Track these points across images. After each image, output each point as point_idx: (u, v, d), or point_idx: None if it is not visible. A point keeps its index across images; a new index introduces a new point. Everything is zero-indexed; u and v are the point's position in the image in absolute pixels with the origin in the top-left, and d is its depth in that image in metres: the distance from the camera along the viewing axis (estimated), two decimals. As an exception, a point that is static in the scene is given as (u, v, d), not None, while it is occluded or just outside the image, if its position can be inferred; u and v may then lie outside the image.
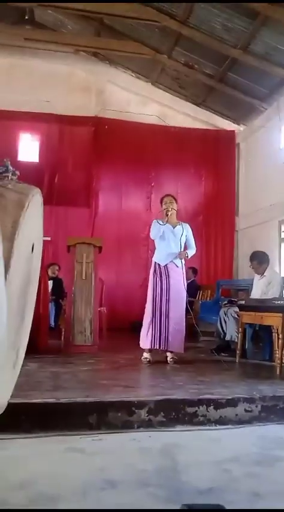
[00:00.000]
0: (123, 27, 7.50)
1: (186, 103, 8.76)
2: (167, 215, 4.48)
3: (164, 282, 4.40)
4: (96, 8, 6.69)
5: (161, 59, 7.69)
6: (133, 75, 8.75)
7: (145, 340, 4.38)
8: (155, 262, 4.50)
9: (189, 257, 4.54)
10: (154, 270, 4.47)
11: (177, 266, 4.46)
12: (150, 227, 4.69)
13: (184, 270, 4.54)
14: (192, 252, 4.57)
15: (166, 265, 4.44)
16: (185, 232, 4.54)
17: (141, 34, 7.42)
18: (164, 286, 4.39)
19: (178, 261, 4.46)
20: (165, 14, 6.60)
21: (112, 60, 8.58)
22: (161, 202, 4.67)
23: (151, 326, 4.34)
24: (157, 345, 4.32)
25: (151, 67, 8.21)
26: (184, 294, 4.52)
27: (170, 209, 4.50)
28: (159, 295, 4.38)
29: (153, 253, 4.66)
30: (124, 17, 6.81)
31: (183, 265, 4.54)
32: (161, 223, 4.48)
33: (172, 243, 4.47)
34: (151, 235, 4.57)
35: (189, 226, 4.66)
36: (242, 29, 6.23)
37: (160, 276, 4.42)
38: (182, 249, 4.49)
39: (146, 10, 6.57)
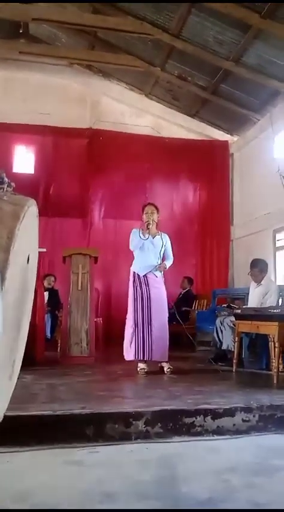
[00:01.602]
0: (116, 40, 7.60)
1: (179, 114, 8.84)
2: (148, 228, 4.47)
3: (144, 291, 4.39)
4: (90, 22, 6.78)
5: (154, 71, 7.78)
6: (127, 87, 8.84)
7: (129, 351, 4.36)
8: (134, 272, 4.49)
9: (167, 268, 4.53)
10: (134, 280, 4.46)
11: (156, 276, 4.46)
12: None
13: (163, 279, 4.53)
14: (169, 262, 4.56)
15: (145, 275, 4.43)
16: (164, 243, 4.55)
17: (134, 47, 7.52)
18: (145, 296, 4.38)
19: (157, 272, 4.46)
20: (158, 28, 6.69)
21: (106, 72, 8.67)
22: (142, 210, 4.64)
23: (134, 337, 4.32)
24: (141, 355, 4.30)
25: (145, 79, 8.30)
26: (166, 302, 4.50)
27: (151, 221, 4.49)
28: (140, 305, 4.37)
29: None
30: (117, 30, 6.89)
31: (162, 275, 4.53)
32: (142, 236, 4.47)
33: (152, 255, 4.47)
34: (131, 247, 4.53)
35: (168, 237, 4.65)
36: (235, 42, 6.33)
37: (140, 285, 4.41)
38: (161, 260, 4.49)
39: (139, 24, 6.67)
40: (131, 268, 4.55)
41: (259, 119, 7.84)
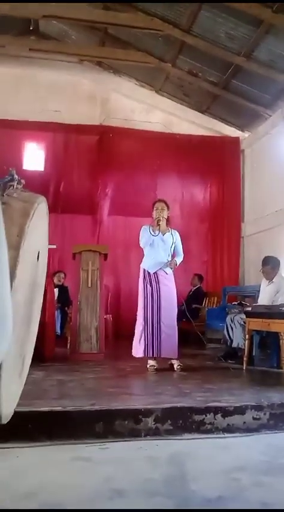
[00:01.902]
0: (127, 36, 7.57)
1: (190, 110, 8.79)
2: (158, 224, 4.46)
3: (155, 289, 4.38)
4: (100, 18, 6.77)
5: (165, 67, 7.74)
6: (137, 83, 8.81)
7: (138, 348, 4.36)
8: (144, 269, 4.47)
9: (177, 265, 4.51)
10: (144, 277, 4.45)
11: (167, 273, 4.44)
12: None
13: (173, 276, 4.51)
14: (179, 259, 4.54)
15: (155, 272, 4.42)
16: (175, 240, 4.53)
17: (145, 43, 7.48)
18: (155, 293, 4.38)
19: (167, 269, 4.45)
20: (168, 23, 6.65)
21: (116, 69, 8.65)
22: (153, 206, 4.63)
23: (143, 334, 4.32)
24: (151, 353, 4.29)
25: (155, 75, 8.26)
26: (175, 300, 4.49)
27: (161, 218, 4.48)
28: (150, 302, 4.37)
29: None
30: (128, 26, 6.88)
31: (173, 272, 4.52)
32: (152, 233, 4.46)
33: (162, 251, 4.45)
34: (141, 244, 4.51)
35: (178, 234, 4.63)
36: (246, 37, 6.26)
37: (150, 283, 4.40)
38: (171, 257, 4.48)
39: (150, 20, 6.64)
40: (141, 265, 4.54)
41: (270, 115, 7.76)
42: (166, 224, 4.59)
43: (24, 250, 1.65)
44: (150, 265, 4.45)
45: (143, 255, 4.57)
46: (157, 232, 4.46)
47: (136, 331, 4.44)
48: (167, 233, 4.53)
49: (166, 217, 4.55)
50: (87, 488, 1.93)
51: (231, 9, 5.81)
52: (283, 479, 2.10)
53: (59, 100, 8.19)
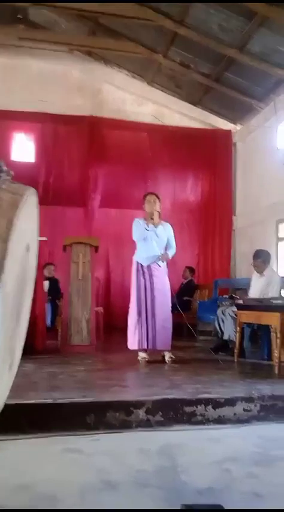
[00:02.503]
0: (118, 26, 7.47)
1: (182, 102, 8.73)
2: (152, 218, 4.45)
3: (148, 281, 4.39)
4: (91, 7, 6.67)
5: (157, 58, 7.66)
6: (128, 74, 8.72)
7: (133, 340, 4.37)
8: (137, 262, 4.47)
9: (169, 258, 4.51)
10: (137, 270, 4.44)
11: (160, 266, 4.45)
12: None
13: (166, 269, 4.51)
14: (172, 252, 4.55)
15: (148, 265, 4.42)
16: (167, 233, 4.53)
17: (136, 33, 7.40)
18: (148, 286, 4.38)
19: (160, 262, 4.45)
20: (161, 14, 6.58)
21: (107, 59, 8.55)
22: (144, 198, 4.62)
23: (137, 326, 4.33)
24: (145, 345, 4.31)
25: (147, 66, 8.19)
26: (169, 292, 4.50)
27: (154, 211, 4.47)
28: (143, 295, 4.37)
29: None
30: (120, 16, 6.79)
31: (166, 264, 4.52)
32: (146, 227, 4.45)
33: (155, 245, 4.44)
34: (134, 237, 4.50)
35: (171, 227, 4.63)
36: (239, 29, 6.22)
37: (143, 275, 4.41)
38: (164, 250, 4.47)
39: (142, 10, 6.56)
40: (134, 257, 4.53)
41: (262, 108, 7.74)
42: (159, 217, 4.58)
43: (13, 243, 1.62)
44: (143, 259, 4.44)
45: (135, 247, 4.55)
46: (150, 226, 4.45)
47: (129, 323, 4.44)
48: (160, 226, 4.52)
49: (158, 210, 4.54)
50: (79, 480, 1.93)
51: (224, 2, 5.76)
52: (274, 470, 2.11)
53: (49, 90, 8.07)
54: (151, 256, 4.41)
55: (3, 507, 1.68)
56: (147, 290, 4.37)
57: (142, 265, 4.43)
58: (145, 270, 4.41)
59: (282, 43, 6.16)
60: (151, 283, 4.37)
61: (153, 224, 4.46)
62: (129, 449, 2.34)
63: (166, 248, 4.52)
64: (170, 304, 4.49)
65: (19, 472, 2.00)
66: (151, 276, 4.39)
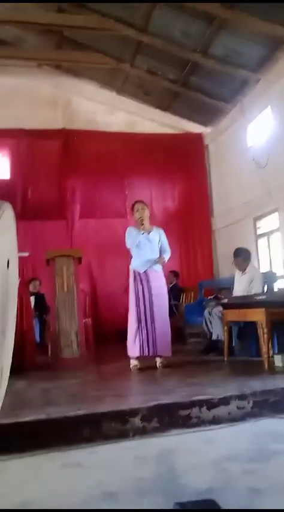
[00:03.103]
0: (83, 38, 7.54)
1: (152, 109, 8.83)
2: (142, 224, 4.49)
3: (145, 287, 4.40)
4: (55, 21, 6.71)
5: (124, 67, 7.75)
6: (98, 85, 8.78)
7: (134, 348, 4.35)
8: (134, 270, 4.49)
9: (165, 261, 4.54)
10: (134, 278, 4.45)
11: (156, 271, 4.47)
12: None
13: (163, 273, 4.55)
14: (167, 255, 4.57)
15: (145, 271, 4.44)
16: (160, 238, 4.57)
17: (102, 44, 7.47)
18: (146, 292, 4.39)
19: (157, 266, 4.48)
20: (123, 24, 6.66)
21: (76, 71, 8.60)
22: (132, 209, 4.68)
23: (138, 333, 4.32)
24: (147, 351, 4.30)
25: (115, 76, 8.26)
26: (166, 297, 4.52)
27: (144, 218, 4.51)
28: (141, 301, 4.38)
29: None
30: (83, 28, 6.85)
31: (162, 269, 4.55)
32: (138, 233, 4.48)
33: (149, 250, 4.47)
34: (127, 245, 4.53)
35: (163, 230, 4.67)
36: (200, 33, 6.34)
37: (141, 282, 4.42)
38: (158, 254, 4.51)
39: (104, 20, 6.63)
40: (130, 266, 4.54)
41: (230, 109, 7.89)
42: (149, 222, 4.62)
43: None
44: (138, 265, 4.46)
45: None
46: (142, 232, 4.48)
47: (129, 331, 4.42)
48: (152, 232, 4.56)
49: (148, 216, 4.58)
50: (79, 494, 1.92)
51: (183, 6, 5.87)
52: (272, 464, 2.14)
53: (20, 106, 8.08)
54: (147, 261, 4.44)
55: None
56: (146, 296, 4.37)
57: (139, 273, 4.44)
58: (142, 277, 4.43)
59: (243, 44, 6.31)
60: (149, 288, 4.39)
61: (144, 230, 4.49)
62: (127, 458, 2.34)
63: (160, 253, 4.55)
64: (167, 309, 4.51)
65: (18, 491, 1.98)
66: (148, 281, 4.40)
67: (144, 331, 4.31)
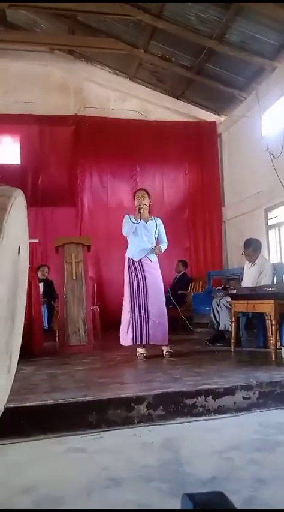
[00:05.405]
0: (97, 23, 7.45)
1: (165, 96, 8.74)
2: (139, 212, 4.46)
3: (140, 276, 4.39)
4: (68, 5, 6.63)
5: (137, 53, 7.65)
6: (110, 71, 8.70)
7: (126, 336, 4.37)
8: (129, 258, 4.47)
9: (162, 252, 4.52)
10: (129, 266, 4.45)
11: (151, 261, 4.45)
12: None
13: (158, 264, 4.52)
14: (164, 246, 4.54)
15: (140, 260, 4.42)
16: (158, 227, 4.54)
17: (115, 29, 7.37)
18: (140, 281, 4.38)
19: (152, 256, 4.45)
20: (138, 8, 6.56)
21: (88, 57, 8.52)
22: (134, 196, 4.65)
23: (131, 322, 4.33)
24: (139, 340, 4.31)
25: (128, 62, 8.17)
26: (162, 286, 4.50)
27: (142, 205, 4.48)
28: (136, 290, 4.37)
29: None
30: (97, 13, 6.77)
31: (157, 259, 4.53)
32: (134, 220, 4.46)
33: (145, 238, 4.45)
34: (124, 232, 4.50)
35: (161, 221, 4.63)
36: (217, 19, 6.23)
37: (135, 271, 4.41)
38: (155, 244, 4.48)
39: (119, 5, 6.53)
40: (126, 254, 4.54)
41: (245, 97, 7.77)
42: (149, 212, 4.59)
43: (3, 246, 1.62)
44: (134, 253, 4.45)
45: (126, 244, 4.56)
46: (138, 220, 4.45)
47: (122, 319, 4.45)
48: (150, 220, 4.53)
49: (147, 204, 4.55)
50: (84, 479, 1.94)
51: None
52: (276, 455, 2.14)
53: (32, 91, 8.05)
54: (142, 249, 4.42)
55: (5, 507, 1.69)
56: (140, 286, 4.37)
57: (133, 261, 4.44)
58: (137, 265, 4.42)
59: (259, 31, 6.18)
60: (144, 278, 4.38)
61: (141, 218, 4.47)
62: (132, 445, 2.35)
63: (157, 243, 4.52)
64: (164, 299, 4.49)
65: (24, 475, 2.01)
66: (142, 271, 4.39)
67: (138, 321, 4.31)
